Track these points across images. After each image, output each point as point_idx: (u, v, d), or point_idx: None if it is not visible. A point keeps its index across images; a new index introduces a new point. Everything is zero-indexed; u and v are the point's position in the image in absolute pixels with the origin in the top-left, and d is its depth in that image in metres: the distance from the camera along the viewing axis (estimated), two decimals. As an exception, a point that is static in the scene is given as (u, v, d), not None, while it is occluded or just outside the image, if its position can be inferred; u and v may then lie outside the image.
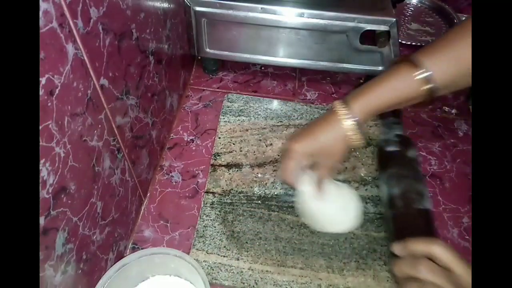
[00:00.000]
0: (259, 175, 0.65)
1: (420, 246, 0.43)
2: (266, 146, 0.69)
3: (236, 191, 0.63)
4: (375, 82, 0.48)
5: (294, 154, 0.52)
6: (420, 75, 0.45)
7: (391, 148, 0.62)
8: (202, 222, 0.60)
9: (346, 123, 0.48)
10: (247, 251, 0.57)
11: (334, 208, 0.58)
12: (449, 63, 0.45)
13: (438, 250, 0.41)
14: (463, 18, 0.92)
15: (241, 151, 0.68)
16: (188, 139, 0.71)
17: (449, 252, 0.41)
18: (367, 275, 0.55)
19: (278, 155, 0.68)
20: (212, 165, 0.66)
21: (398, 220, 0.56)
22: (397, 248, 0.47)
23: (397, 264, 0.45)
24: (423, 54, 0.46)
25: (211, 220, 0.60)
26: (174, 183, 0.65)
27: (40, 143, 0.33)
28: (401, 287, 0.44)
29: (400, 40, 0.82)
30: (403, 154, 0.61)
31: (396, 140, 0.63)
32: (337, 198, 0.59)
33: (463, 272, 0.40)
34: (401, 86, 0.46)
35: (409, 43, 0.85)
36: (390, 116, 0.66)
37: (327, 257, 0.57)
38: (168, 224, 0.61)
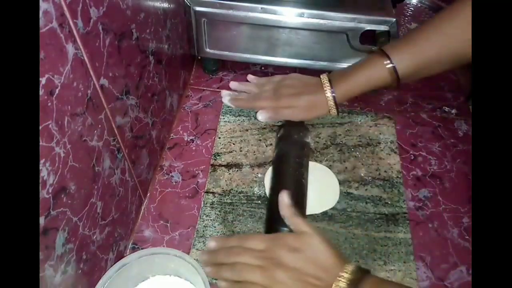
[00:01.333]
0: (259, 175, 0.65)
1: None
2: (266, 146, 0.69)
3: (236, 191, 0.63)
4: (353, 70, 0.56)
5: (281, 104, 0.58)
6: (387, 65, 0.52)
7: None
8: (202, 222, 0.60)
9: (329, 99, 0.56)
10: (247, 251, 0.57)
11: (313, 191, 0.60)
12: (411, 58, 0.52)
13: (243, 240, 0.46)
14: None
15: (241, 151, 0.68)
16: (188, 139, 0.71)
17: (253, 237, 0.46)
18: (367, 275, 0.55)
19: (278, 155, 0.68)
20: (212, 165, 0.66)
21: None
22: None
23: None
24: (392, 46, 0.53)
25: (211, 220, 0.60)
26: (174, 183, 0.65)
27: (40, 143, 0.33)
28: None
29: (400, 40, 0.82)
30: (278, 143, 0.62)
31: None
32: (313, 180, 0.61)
33: (271, 243, 0.44)
34: (372, 75, 0.54)
35: (409, 43, 0.85)
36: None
37: (327, 257, 0.57)
38: (168, 224, 0.61)
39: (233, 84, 0.64)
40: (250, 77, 0.65)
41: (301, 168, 0.57)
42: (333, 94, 0.55)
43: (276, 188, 0.54)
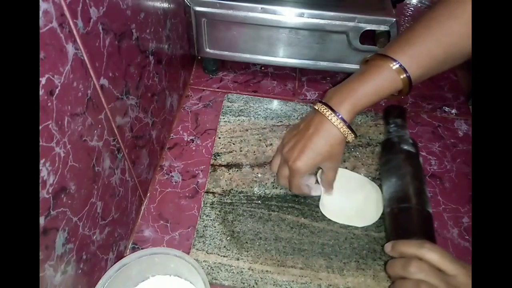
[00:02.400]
0: (259, 175, 0.65)
1: (410, 248, 0.44)
2: (266, 146, 0.69)
3: (236, 191, 0.63)
4: (357, 81, 0.50)
5: (300, 173, 0.54)
6: (395, 66, 0.48)
7: (406, 147, 0.61)
8: (202, 222, 0.60)
9: (339, 126, 0.50)
10: (247, 251, 0.57)
11: (356, 201, 0.61)
12: (420, 55, 0.48)
13: (427, 252, 0.42)
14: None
15: (241, 151, 0.68)
16: (188, 139, 0.71)
17: (438, 253, 0.42)
18: (367, 275, 0.55)
19: (278, 155, 0.68)
20: (212, 165, 0.66)
21: (397, 218, 0.56)
22: (387, 247, 0.47)
23: (390, 264, 0.46)
24: (391, 49, 0.49)
25: (211, 220, 0.60)
26: (174, 183, 0.65)
27: (40, 143, 0.33)
28: (395, 287, 0.44)
29: (400, 40, 0.82)
30: (416, 156, 0.61)
31: (410, 142, 0.62)
32: (357, 191, 0.62)
33: (458, 272, 0.40)
34: (383, 82, 0.49)
35: (409, 43, 0.85)
36: (395, 116, 0.67)
37: (327, 257, 0.57)
38: (168, 224, 0.61)
39: None
40: None
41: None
42: (339, 119, 0.49)
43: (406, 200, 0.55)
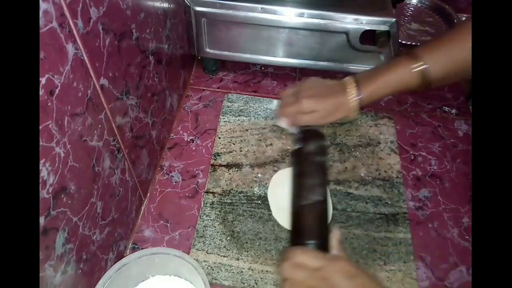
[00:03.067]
0: (259, 175, 0.65)
1: (284, 255, 0.46)
2: (266, 146, 0.69)
3: (236, 191, 0.63)
4: (380, 71, 0.54)
5: (300, 108, 0.56)
6: (417, 67, 0.51)
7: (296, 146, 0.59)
8: (202, 222, 0.60)
9: (353, 102, 0.55)
10: (247, 251, 0.57)
11: None
12: (445, 60, 0.51)
13: (295, 256, 0.44)
14: (463, 18, 0.92)
15: (241, 151, 0.68)
16: (188, 139, 0.71)
17: (305, 254, 0.44)
18: (367, 275, 0.55)
19: (278, 155, 0.68)
20: (212, 165, 0.66)
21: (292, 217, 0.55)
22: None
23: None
24: (423, 49, 0.52)
25: (211, 220, 0.60)
26: (174, 183, 0.65)
27: (40, 143, 0.33)
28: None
29: (400, 40, 0.82)
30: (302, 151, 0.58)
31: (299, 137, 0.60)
32: None
33: (322, 264, 0.42)
34: (401, 77, 0.53)
35: (409, 43, 0.85)
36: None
37: (327, 257, 0.57)
38: (168, 224, 0.61)
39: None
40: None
41: (323, 174, 0.55)
42: (359, 96, 0.54)
43: (304, 196, 0.52)
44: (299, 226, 0.51)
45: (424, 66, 0.51)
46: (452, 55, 0.51)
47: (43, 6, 0.30)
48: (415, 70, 0.51)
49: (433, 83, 0.52)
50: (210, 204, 0.62)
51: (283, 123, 0.58)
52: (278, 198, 0.62)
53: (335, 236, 0.47)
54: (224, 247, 0.57)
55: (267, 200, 0.62)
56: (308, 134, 0.58)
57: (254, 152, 0.68)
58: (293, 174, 0.56)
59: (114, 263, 0.48)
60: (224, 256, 0.57)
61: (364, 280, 0.41)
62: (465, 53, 0.49)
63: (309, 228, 0.49)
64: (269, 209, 0.61)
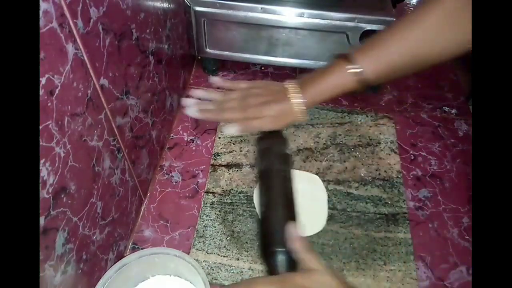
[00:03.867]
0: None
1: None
2: (266, 146, 0.69)
3: (236, 191, 0.63)
4: (320, 75, 0.54)
5: (249, 115, 0.55)
6: (352, 69, 0.51)
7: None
8: (202, 222, 0.60)
9: (298, 106, 0.54)
10: (247, 251, 0.57)
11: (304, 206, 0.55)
12: (378, 62, 0.51)
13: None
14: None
15: (241, 151, 0.68)
16: (188, 139, 0.71)
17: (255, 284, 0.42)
18: (367, 275, 0.55)
19: (278, 155, 0.68)
20: (212, 165, 0.66)
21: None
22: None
23: None
24: (358, 52, 0.52)
25: (211, 220, 0.60)
26: (174, 183, 0.65)
27: (40, 143, 0.33)
28: None
29: (400, 40, 0.82)
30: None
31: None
32: (305, 195, 0.57)
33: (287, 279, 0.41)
34: (339, 81, 0.53)
35: (409, 43, 0.85)
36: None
37: (327, 257, 0.57)
38: (168, 224, 0.61)
39: (195, 93, 0.60)
40: (213, 79, 0.61)
41: (287, 182, 0.54)
42: (302, 100, 0.54)
43: (268, 206, 0.51)
44: (263, 235, 0.50)
45: (359, 70, 0.51)
46: (385, 57, 0.51)
47: (43, 6, 0.30)
48: (351, 72, 0.51)
49: (370, 84, 0.52)
50: (210, 204, 0.62)
51: (231, 130, 0.56)
52: None
53: (293, 234, 0.46)
54: (224, 247, 0.57)
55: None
56: (264, 140, 0.58)
57: (254, 152, 0.68)
58: (258, 173, 0.57)
59: (114, 263, 0.48)
60: (224, 256, 0.57)
61: None
62: (397, 53, 0.51)
63: (273, 234, 0.48)
64: (269, 209, 0.61)
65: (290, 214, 0.50)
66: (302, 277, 0.42)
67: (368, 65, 0.51)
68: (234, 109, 0.56)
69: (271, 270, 0.46)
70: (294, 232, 0.46)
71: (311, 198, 0.62)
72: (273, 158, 0.56)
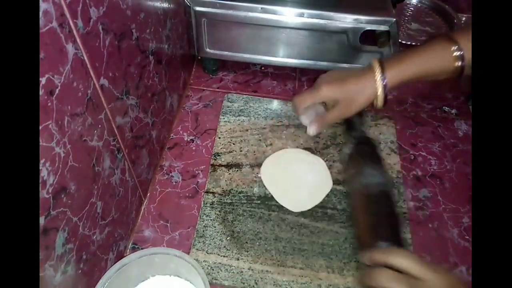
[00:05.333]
0: (259, 175, 0.65)
1: (380, 256, 0.43)
2: (266, 146, 0.69)
3: (236, 191, 0.63)
4: (413, 51, 0.50)
5: (319, 95, 0.54)
6: (455, 51, 0.47)
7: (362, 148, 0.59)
8: (202, 222, 0.60)
9: (378, 83, 0.50)
10: (247, 251, 0.57)
11: (305, 182, 0.61)
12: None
13: (399, 261, 0.40)
14: (463, 18, 0.92)
15: (241, 151, 0.68)
16: (188, 139, 0.71)
17: (409, 259, 0.40)
18: (367, 275, 0.55)
19: (278, 155, 0.68)
20: (212, 165, 0.66)
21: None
22: (363, 258, 0.46)
23: (360, 277, 0.44)
24: (460, 33, 0.49)
25: (211, 220, 0.60)
26: (174, 183, 0.65)
27: (40, 143, 0.33)
28: None
29: (400, 40, 0.82)
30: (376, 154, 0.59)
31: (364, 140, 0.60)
32: (303, 169, 0.63)
33: (429, 277, 0.39)
34: (436, 59, 0.49)
35: (409, 43, 0.85)
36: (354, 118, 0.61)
37: (327, 257, 0.57)
38: (168, 224, 0.61)
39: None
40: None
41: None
42: (383, 76, 0.49)
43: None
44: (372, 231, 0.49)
45: (461, 51, 0.47)
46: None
47: (43, 6, 0.30)
48: (452, 53, 0.48)
49: (468, 69, 0.48)
50: (210, 204, 0.62)
51: (312, 131, 0.57)
52: (275, 178, 0.64)
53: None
54: (224, 247, 0.57)
55: (267, 200, 0.62)
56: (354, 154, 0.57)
57: (254, 152, 0.68)
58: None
59: (114, 263, 0.48)
60: (224, 256, 0.57)
61: None
62: None
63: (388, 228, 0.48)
64: (269, 209, 0.61)
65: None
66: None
67: (469, 47, 0.47)
68: (307, 94, 0.56)
69: None
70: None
71: (311, 170, 0.65)
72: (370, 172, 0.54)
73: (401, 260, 0.40)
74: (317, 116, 0.59)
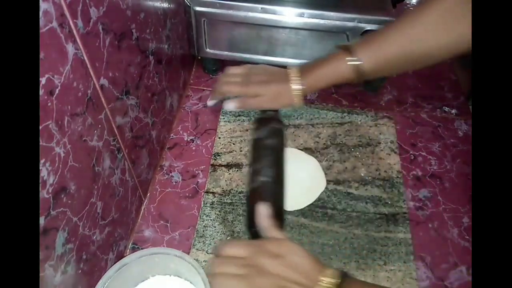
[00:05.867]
0: (259, 175, 0.65)
1: (217, 249, 0.46)
2: (266, 146, 0.69)
3: (236, 191, 0.63)
4: (320, 63, 0.56)
5: (249, 92, 0.58)
6: (352, 62, 0.53)
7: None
8: (202, 222, 0.60)
9: (295, 90, 0.56)
10: (247, 251, 0.57)
11: (300, 179, 0.62)
12: (377, 56, 0.53)
13: (223, 248, 0.44)
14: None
15: (241, 151, 0.68)
16: (188, 139, 0.71)
17: (229, 245, 0.44)
18: (367, 275, 0.55)
19: (278, 155, 0.68)
20: (212, 165, 0.66)
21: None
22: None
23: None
24: (359, 45, 0.54)
25: (211, 220, 0.60)
26: (174, 183, 0.65)
27: (40, 143, 0.33)
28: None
29: (400, 40, 0.82)
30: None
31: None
32: (298, 167, 0.63)
33: (248, 252, 0.42)
34: (337, 70, 0.55)
35: (409, 43, 0.85)
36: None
37: (327, 257, 0.57)
38: (168, 224, 0.61)
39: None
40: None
41: (276, 155, 0.56)
42: (300, 85, 0.56)
43: (254, 179, 0.53)
44: (248, 211, 0.51)
45: (358, 62, 0.53)
46: (384, 51, 0.52)
47: (43, 6, 0.30)
48: (350, 64, 0.53)
49: (366, 77, 0.54)
50: (210, 204, 0.62)
51: (231, 105, 0.59)
52: None
53: (262, 213, 0.47)
54: (224, 247, 0.57)
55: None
56: (260, 120, 0.60)
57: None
58: (248, 163, 0.58)
59: (114, 263, 0.48)
60: (224, 256, 0.57)
61: (288, 260, 0.41)
62: (396, 49, 0.52)
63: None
64: (269, 209, 0.61)
65: (277, 189, 0.53)
66: (273, 245, 0.43)
67: (366, 58, 0.53)
68: (237, 84, 0.59)
69: None
70: (262, 212, 0.47)
71: (304, 169, 0.66)
72: (265, 133, 0.58)
73: (227, 249, 0.44)
74: (241, 98, 0.60)
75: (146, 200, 0.63)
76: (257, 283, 0.41)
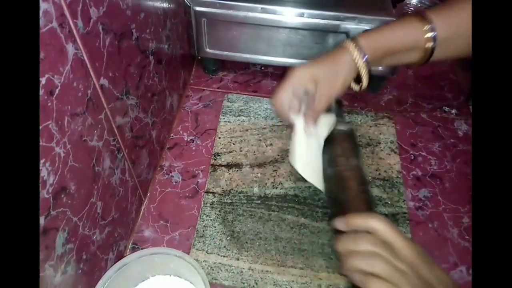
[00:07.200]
0: (259, 175, 0.65)
1: (360, 221, 0.42)
2: (266, 146, 0.69)
3: (236, 191, 0.63)
4: (386, 26, 0.51)
5: (293, 78, 0.51)
6: (426, 28, 0.48)
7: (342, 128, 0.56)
8: (202, 222, 0.60)
9: (355, 54, 0.50)
10: (247, 251, 0.57)
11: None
12: (450, 23, 0.48)
13: (377, 224, 0.40)
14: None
15: (241, 151, 0.68)
16: (188, 139, 0.71)
17: (388, 226, 0.40)
18: (367, 275, 0.55)
19: (278, 155, 0.68)
20: (212, 165, 0.66)
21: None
22: (339, 223, 0.45)
23: (339, 240, 0.43)
24: (433, 11, 0.49)
25: (211, 220, 0.60)
26: (174, 183, 0.65)
27: (40, 143, 0.33)
28: (344, 263, 0.41)
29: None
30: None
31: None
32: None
33: (403, 245, 0.39)
34: (408, 34, 0.49)
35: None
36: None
37: (327, 257, 0.57)
38: (168, 224, 0.61)
39: None
40: None
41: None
42: (362, 54, 0.49)
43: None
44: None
45: (433, 31, 0.48)
46: (458, 19, 0.48)
47: (43, 6, 0.30)
48: (424, 29, 0.48)
49: (436, 50, 0.49)
50: (210, 204, 0.62)
51: (308, 128, 0.51)
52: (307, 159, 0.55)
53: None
54: (224, 247, 0.57)
55: (267, 200, 0.62)
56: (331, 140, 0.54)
57: (254, 152, 0.68)
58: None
59: (114, 263, 0.48)
60: (224, 256, 0.57)
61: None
62: (468, 25, 0.46)
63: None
64: (269, 209, 0.61)
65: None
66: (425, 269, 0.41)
67: (440, 25, 0.48)
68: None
69: None
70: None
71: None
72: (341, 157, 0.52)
73: (381, 226, 0.40)
74: (307, 110, 0.53)
75: (146, 200, 0.63)
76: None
